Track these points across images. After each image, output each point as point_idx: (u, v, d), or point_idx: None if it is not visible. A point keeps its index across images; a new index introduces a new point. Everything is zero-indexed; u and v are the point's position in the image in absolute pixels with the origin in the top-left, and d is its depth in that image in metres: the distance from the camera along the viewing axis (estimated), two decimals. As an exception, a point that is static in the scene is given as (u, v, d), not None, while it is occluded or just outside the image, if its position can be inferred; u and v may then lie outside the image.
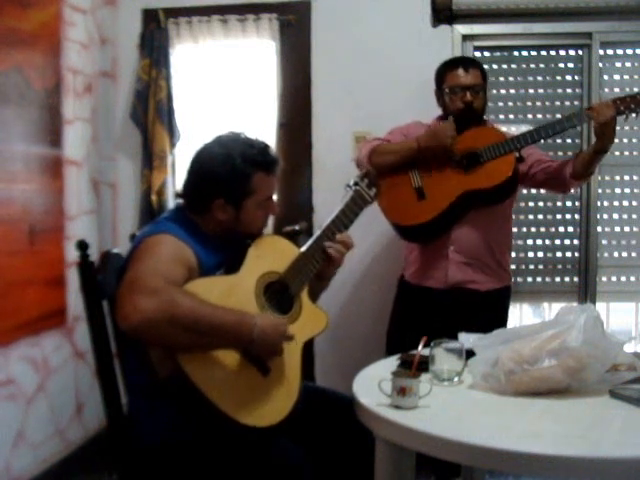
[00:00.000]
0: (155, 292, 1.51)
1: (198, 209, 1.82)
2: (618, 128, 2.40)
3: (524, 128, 3.19)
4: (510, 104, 3.25)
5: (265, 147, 1.85)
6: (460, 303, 2.56)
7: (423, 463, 1.73)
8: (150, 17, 3.30)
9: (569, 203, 3.23)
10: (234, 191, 1.78)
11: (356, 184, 2.04)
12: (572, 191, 2.89)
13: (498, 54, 3.25)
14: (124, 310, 1.51)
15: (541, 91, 3.24)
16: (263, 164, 1.80)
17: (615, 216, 3.23)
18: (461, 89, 2.54)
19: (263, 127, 3.15)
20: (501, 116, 3.24)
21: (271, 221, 3.21)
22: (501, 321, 2.68)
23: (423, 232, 2.57)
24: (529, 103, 3.23)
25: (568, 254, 3.25)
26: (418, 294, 2.66)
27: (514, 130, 3.18)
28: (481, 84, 2.57)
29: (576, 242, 3.24)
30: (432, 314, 2.56)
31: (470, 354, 1.71)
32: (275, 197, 1.91)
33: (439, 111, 2.69)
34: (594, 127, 2.38)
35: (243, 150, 1.79)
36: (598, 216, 3.21)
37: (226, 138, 1.85)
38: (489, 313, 2.58)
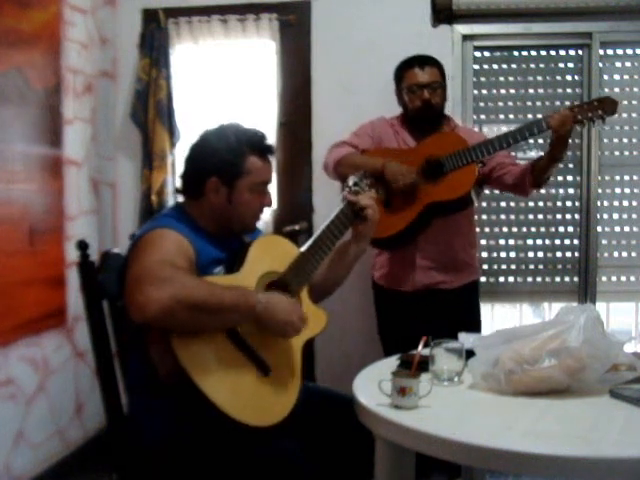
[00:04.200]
0: (165, 280, 1.53)
1: (193, 193, 1.83)
2: (618, 128, 2.42)
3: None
4: (510, 104, 3.25)
5: (261, 134, 1.87)
6: (432, 303, 2.64)
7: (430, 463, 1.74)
8: (150, 17, 3.30)
9: (569, 203, 3.24)
10: (227, 169, 1.79)
11: (356, 184, 2.04)
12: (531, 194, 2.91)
13: (498, 54, 3.25)
14: (139, 303, 1.52)
15: (541, 91, 3.24)
16: (257, 147, 1.82)
17: (615, 216, 3.23)
18: (418, 87, 2.58)
19: (263, 126, 3.15)
20: (501, 116, 3.25)
21: (271, 221, 3.21)
22: (474, 314, 2.77)
23: (390, 243, 2.62)
24: (529, 103, 3.23)
25: (568, 254, 3.25)
26: (392, 297, 2.74)
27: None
28: (438, 81, 2.61)
29: (576, 242, 3.24)
30: (409, 315, 2.64)
31: (470, 354, 1.71)
32: (271, 190, 1.91)
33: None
34: (552, 138, 2.42)
35: (238, 132, 1.83)
36: (598, 216, 3.21)
37: (224, 124, 1.88)
38: (462, 308, 2.66)
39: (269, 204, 1.90)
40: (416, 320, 2.56)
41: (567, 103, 3.20)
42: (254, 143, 1.82)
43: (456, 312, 2.61)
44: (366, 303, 3.23)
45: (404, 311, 2.68)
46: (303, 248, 1.93)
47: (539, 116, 3.22)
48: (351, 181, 2.06)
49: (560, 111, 2.41)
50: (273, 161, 1.89)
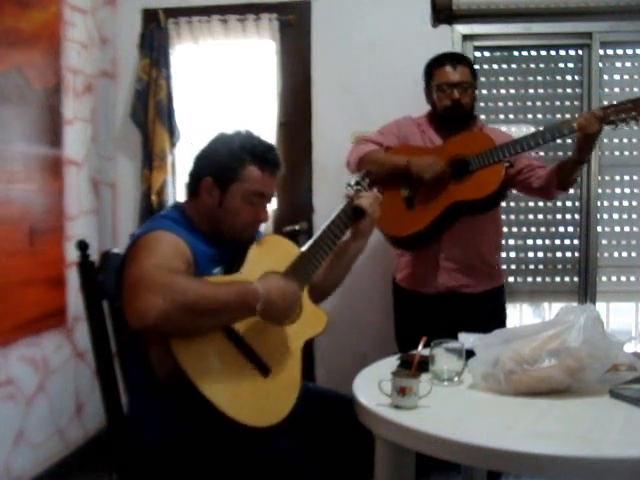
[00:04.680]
0: (163, 286, 1.52)
1: (191, 191, 1.84)
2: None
3: (524, 129, 3.21)
4: (510, 104, 3.25)
5: (270, 147, 1.86)
6: (455, 307, 2.57)
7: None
8: (150, 17, 3.30)
9: (569, 203, 3.23)
10: (222, 171, 1.78)
11: (357, 183, 2.05)
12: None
13: (498, 54, 3.25)
14: (137, 310, 1.51)
15: (541, 91, 3.24)
16: (259, 157, 1.80)
17: (615, 216, 3.23)
18: (448, 86, 2.53)
19: (263, 126, 3.15)
20: (501, 116, 3.24)
21: (271, 221, 3.21)
22: (499, 321, 2.69)
23: (412, 242, 2.57)
24: (529, 103, 3.23)
25: (568, 254, 3.25)
26: (413, 299, 2.68)
27: (514, 130, 3.18)
28: (469, 81, 2.56)
29: (576, 242, 3.24)
30: (429, 318, 2.57)
31: (470, 354, 1.71)
32: (269, 206, 1.89)
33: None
34: (578, 138, 2.37)
35: (245, 140, 1.82)
36: (598, 216, 3.21)
37: (238, 130, 1.87)
38: (486, 314, 2.59)
39: (264, 219, 1.88)
40: (437, 324, 2.45)
41: (567, 103, 3.22)
42: (256, 153, 1.80)
43: (479, 318, 2.51)
44: (368, 303, 3.23)
45: (425, 314, 2.60)
46: (304, 248, 1.93)
47: (539, 116, 3.24)
48: (353, 180, 2.06)
49: (589, 111, 2.35)
50: (277, 177, 1.86)
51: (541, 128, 2.48)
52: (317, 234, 1.95)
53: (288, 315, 1.73)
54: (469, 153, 2.45)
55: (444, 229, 2.52)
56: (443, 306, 2.58)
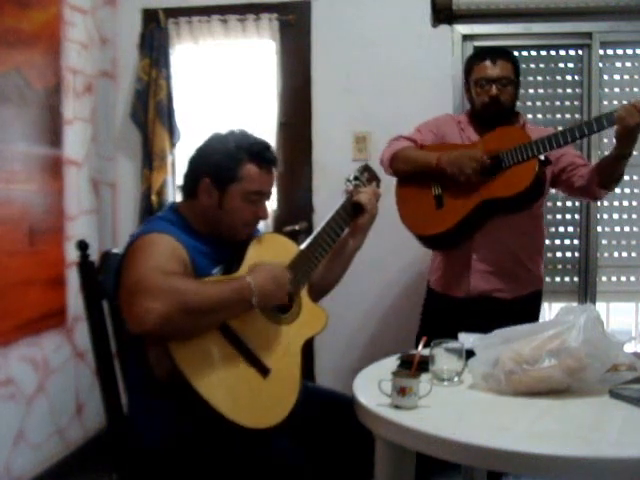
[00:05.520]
0: (160, 288, 1.52)
1: (189, 192, 1.83)
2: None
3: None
4: (510, 104, 3.24)
5: (265, 144, 1.85)
6: (486, 312, 2.42)
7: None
8: (150, 17, 3.30)
9: (569, 203, 3.23)
10: (220, 172, 1.77)
11: (356, 178, 2.04)
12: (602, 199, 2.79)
13: (498, 54, 3.24)
14: (136, 315, 1.51)
15: (541, 91, 3.24)
16: (256, 156, 1.80)
17: (615, 216, 3.23)
18: (487, 82, 2.42)
19: (263, 126, 3.15)
20: (501, 116, 3.24)
21: (271, 221, 3.21)
22: None
23: (442, 241, 2.49)
24: (529, 103, 3.23)
25: (568, 254, 3.25)
26: (443, 302, 2.58)
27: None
28: (510, 77, 2.43)
29: (576, 242, 3.24)
30: (458, 323, 2.35)
31: (470, 354, 1.71)
32: (269, 203, 1.89)
33: (440, 111, 2.69)
34: (617, 130, 2.22)
35: (240, 139, 1.82)
36: (598, 216, 3.21)
37: (232, 130, 1.86)
38: (518, 320, 2.46)
39: (264, 217, 1.88)
40: (465, 330, 2.16)
41: (567, 103, 3.22)
42: (253, 151, 1.79)
43: (512, 324, 2.28)
44: (386, 304, 3.21)
45: (454, 319, 2.42)
46: (303, 245, 1.92)
47: (539, 116, 3.24)
48: (351, 175, 2.06)
49: (630, 102, 2.19)
50: (274, 174, 1.86)
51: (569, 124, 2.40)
52: (316, 231, 1.95)
53: (283, 297, 1.74)
54: (503, 149, 2.34)
55: (475, 229, 2.42)
56: (474, 311, 2.43)
